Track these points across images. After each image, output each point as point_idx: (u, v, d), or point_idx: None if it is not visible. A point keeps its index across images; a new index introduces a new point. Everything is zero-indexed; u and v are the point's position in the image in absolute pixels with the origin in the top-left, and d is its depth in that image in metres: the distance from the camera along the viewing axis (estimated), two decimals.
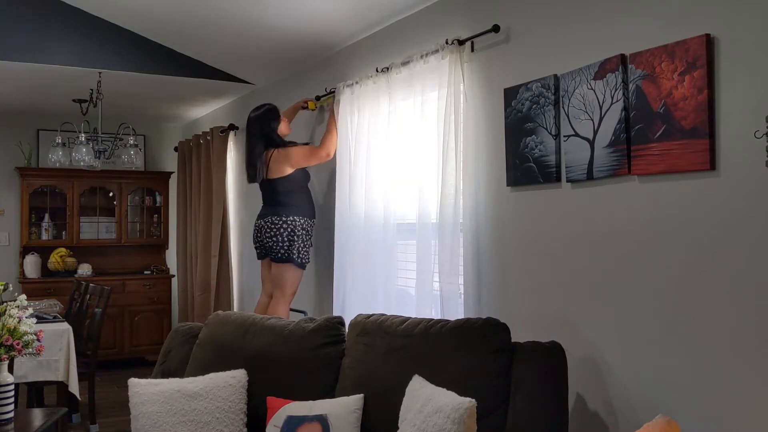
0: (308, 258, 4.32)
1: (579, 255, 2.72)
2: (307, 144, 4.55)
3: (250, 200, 6.02)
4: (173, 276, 7.54)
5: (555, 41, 2.83)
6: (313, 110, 4.68)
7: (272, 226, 4.23)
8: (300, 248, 4.23)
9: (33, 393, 4.71)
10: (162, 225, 7.79)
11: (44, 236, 7.19)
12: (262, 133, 4.32)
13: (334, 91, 4.28)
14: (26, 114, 7.13)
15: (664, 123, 2.33)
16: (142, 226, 7.74)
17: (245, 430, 2.76)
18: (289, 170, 4.27)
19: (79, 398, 4.70)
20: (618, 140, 2.50)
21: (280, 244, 4.20)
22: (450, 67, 3.25)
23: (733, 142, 2.16)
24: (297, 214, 4.24)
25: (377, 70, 3.82)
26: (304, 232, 4.26)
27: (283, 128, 4.41)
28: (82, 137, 5.38)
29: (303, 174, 4.37)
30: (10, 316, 3.03)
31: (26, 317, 3.11)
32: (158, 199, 7.78)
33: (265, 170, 4.28)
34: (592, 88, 2.60)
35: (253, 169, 4.32)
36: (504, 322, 2.57)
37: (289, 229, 4.21)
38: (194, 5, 4.23)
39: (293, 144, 4.41)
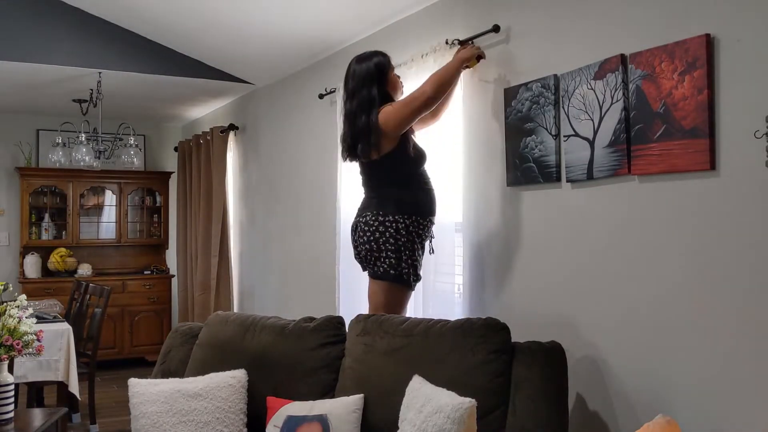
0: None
1: (579, 255, 2.72)
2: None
3: (250, 200, 6.02)
4: (173, 276, 7.54)
5: (555, 41, 2.83)
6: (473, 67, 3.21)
7: (366, 228, 3.07)
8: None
9: (33, 393, 4.70)
10: (162, 225, 7.78)
11: (44, 236, 7.18)
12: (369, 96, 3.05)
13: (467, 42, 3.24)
14: (26, 114, 7.13)
15: (664, 123, 2.33)
16: (142, 226, 7.74)
17: (245, 430, 2.76)
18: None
19: (79, 398, 4.70)
20: (618, 140, 2.50)
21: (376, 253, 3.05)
22: None
23: (733, 142, 2.15)
24: (398, 211, 3.03)
25: None
26: (408, 234, 3.03)
27: (392, 84, 3.16)
28: (82, 137, 5.40)
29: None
30: (10, 316, 3.03)
31: (26, 317, 3.11)
32: (158, 199, 7.78)
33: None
34: (592, 88, 2.60)
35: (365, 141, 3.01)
36: (504, 322, 2.57)
37: (387, 234, 3.02)
38: (194, 5, 4.24)
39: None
